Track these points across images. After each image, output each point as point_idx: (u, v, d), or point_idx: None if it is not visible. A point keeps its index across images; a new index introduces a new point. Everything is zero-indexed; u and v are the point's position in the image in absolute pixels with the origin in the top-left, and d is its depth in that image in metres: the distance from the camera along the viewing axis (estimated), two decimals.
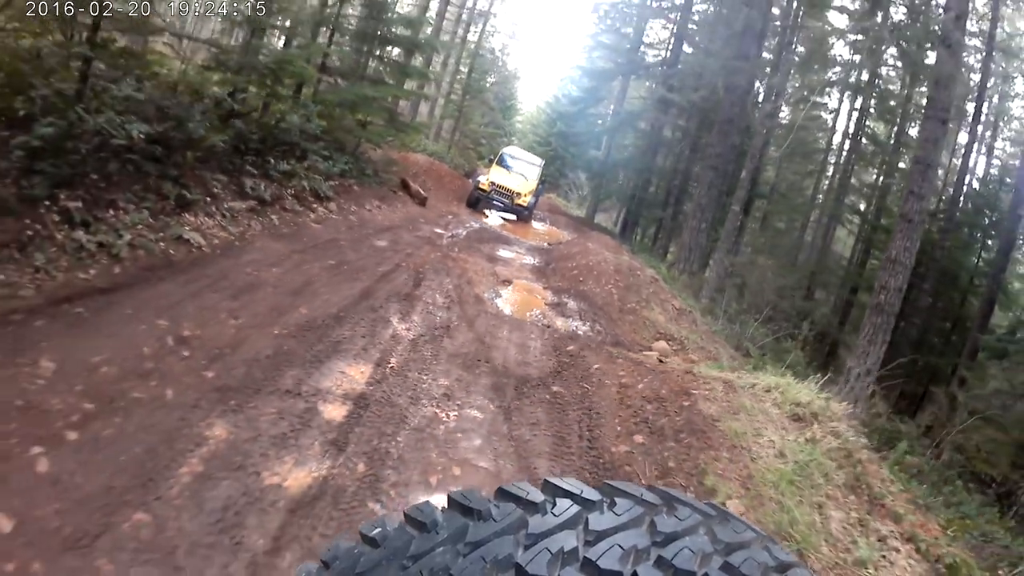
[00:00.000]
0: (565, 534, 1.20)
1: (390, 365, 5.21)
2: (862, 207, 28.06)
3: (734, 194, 19.79)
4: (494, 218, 19.24)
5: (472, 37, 33.64)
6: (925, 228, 21.43)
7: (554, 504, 1.31)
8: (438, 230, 12.78)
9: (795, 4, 22.03)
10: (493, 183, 19.41)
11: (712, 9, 26.44)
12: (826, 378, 9.32)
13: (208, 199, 7.59)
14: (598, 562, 1.12)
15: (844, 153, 28.44)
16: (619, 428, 5.16)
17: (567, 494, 1.35)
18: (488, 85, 35.65)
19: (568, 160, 37.38)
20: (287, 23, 11.05)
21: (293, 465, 3.57)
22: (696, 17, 28.11)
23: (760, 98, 22.09)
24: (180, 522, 2.93)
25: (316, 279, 6.71)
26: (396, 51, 15.34)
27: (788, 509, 4.48)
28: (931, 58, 18.27)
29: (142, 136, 6.29)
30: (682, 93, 24.01)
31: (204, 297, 5.34)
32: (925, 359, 20.95)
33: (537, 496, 1.34)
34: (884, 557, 4.57)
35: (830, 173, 29.99)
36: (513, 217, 19.91)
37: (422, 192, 15.55)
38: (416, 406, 4.68)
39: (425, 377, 5.22)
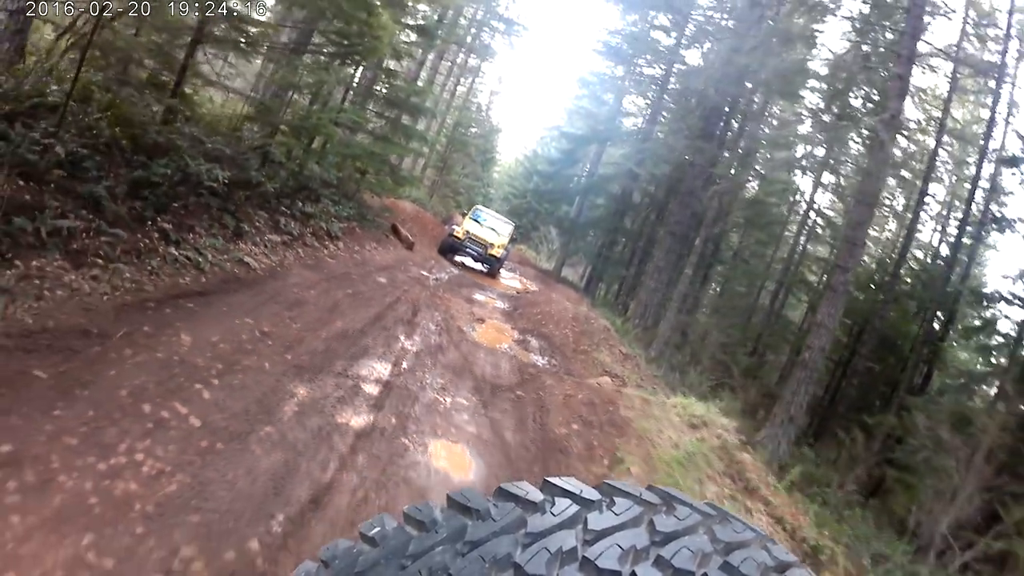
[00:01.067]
0: (564, 534, 1.28)
1: (403, 366, 7.26)
2: (815, 278, 30.16)
3: (691, 257, 22.12)
4: (468, 266, 20.37)
5: (461, 90, 35.95)
6: (870, 299, 24.01)
7: (553, 504, 1.38)
8: (424, 272, 14.80)
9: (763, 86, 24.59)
10: (468, 232, 20.26)
11: (688, 84, 28.79)
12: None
13: (254, 231, 9.62)
14: (597, 561, 1.20)
15: (805, 226, 31.07)
16: (561, 419, 7.28)
17: (566, 494, 1.42)
18: (470, 137, 37.80)
19: (541, 214, 39.39)
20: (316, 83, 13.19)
21: (352, 414, 5.60)
22: (672, 88, 30.51)
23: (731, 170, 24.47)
24: (294, 433, 4.93)
25: (341, 303, 8.74)
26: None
27: (675, 479, 6.57)
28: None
29: (225, 181, 8.37)
30: (653, 163, 26.43)
31: (269, 306, 7.33)
32: (864, 419, 23.09)
33: (536, 495, 1.41)
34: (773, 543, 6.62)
35: (792, 242, 32.36)
36: (484, 268, 20.57)
37: (410, 238, 17.63)
38: (424, 392, 6.73)
39: (428, 376, 7.27)
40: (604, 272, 32.67)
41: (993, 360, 20.69)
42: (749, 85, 24.00)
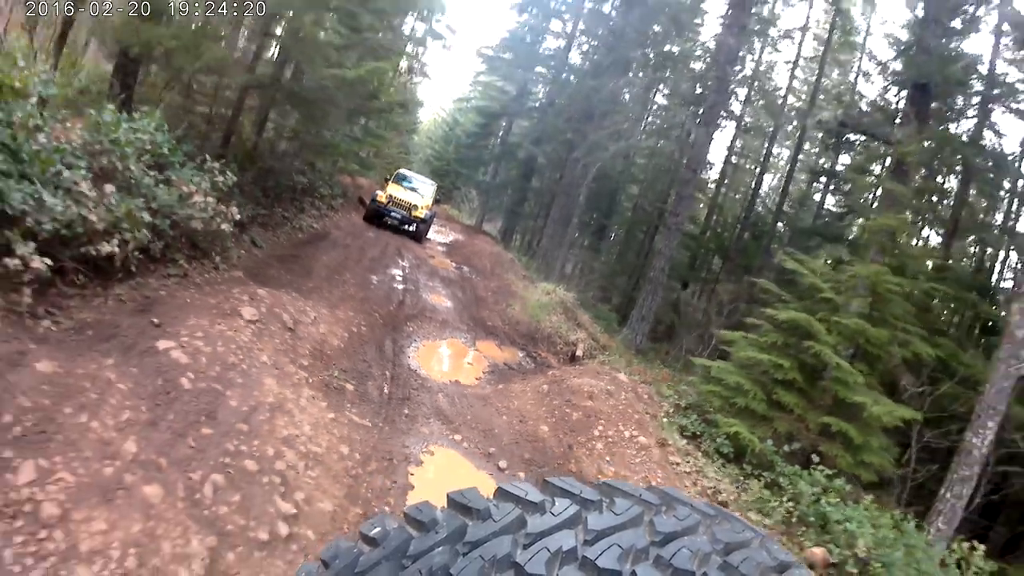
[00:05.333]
0: (564, 533, 1.40)
1: (407, 271, 16.61)
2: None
3: (575, 211, 31.51)
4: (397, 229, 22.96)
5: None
6: (727, 233, 33.60)
7: (553, 504, 1.53)
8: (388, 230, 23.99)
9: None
10: (391, 196, 21.93)
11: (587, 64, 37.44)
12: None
13: (308, 209, 18.67)
14: (597, 561, 1.29)
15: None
16: (482, 291, 16.86)
17: (566, 494, 1.57)
18: (401, 119, 45.41)
19: (462, 176, 46.98)
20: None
21: (397, 284, 14.96)
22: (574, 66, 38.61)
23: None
24: (381, 288, 14.23)
25: (364, 245, 17.87)
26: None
27: (536, 314, 16.00)
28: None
29: (305, 184, 17.48)
30: (547, 139, 35.71)
31: (337, 247, 16.37)
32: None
33: (536, 496, 1.58)
34: (575, 332, 16.13)
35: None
36: (411, 229, 22.33)
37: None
38: (419, 280, 16.17)
39: (419, 275, 16.67)
40: (516, 225, 41.46)
41: None
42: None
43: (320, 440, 6.69)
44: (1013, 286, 16.83)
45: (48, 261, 6.31)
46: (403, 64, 27.53)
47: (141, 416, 5.45)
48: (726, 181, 39.12)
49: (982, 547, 8.52)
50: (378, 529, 1.66)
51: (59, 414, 4.94)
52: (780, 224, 33.14)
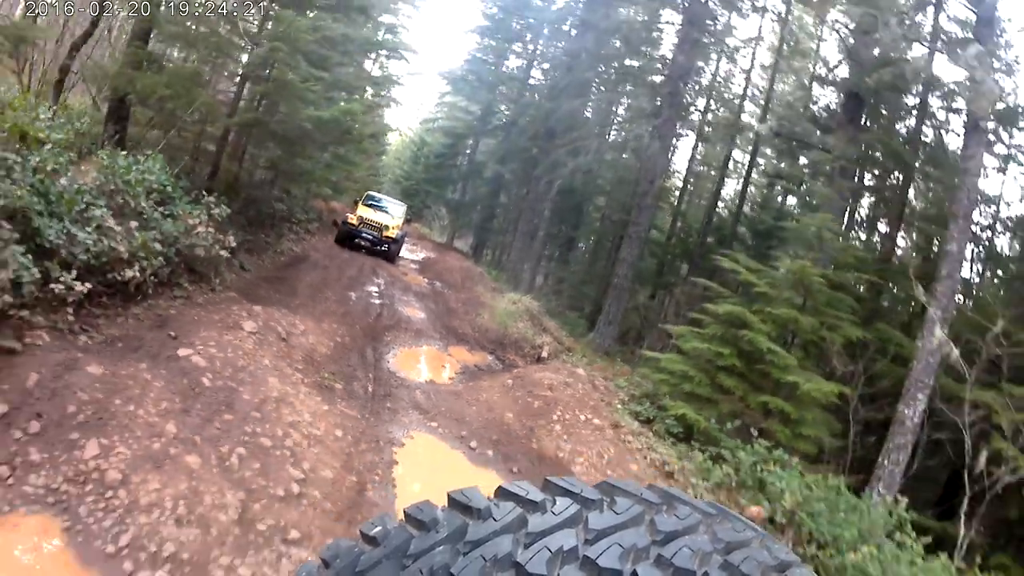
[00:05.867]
0: (565, 533, 1.41)
1: (383, 287, 18.00)
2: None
3: (541, 225, 32.99)
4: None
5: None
6: (692, 238, 35.15)
7: (554, 503, 1.54)
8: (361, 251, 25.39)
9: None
10: (362, 218, 22.57)
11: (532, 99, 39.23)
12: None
13: (286, 234, 20.01)
14: (598, 560, 1.30)
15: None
16: (453, 303, 18.29)
17: (567, 493, 1.58)
18: (370, 145, 46.58)
19: (431, 195, 48.30)
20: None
21: (375, 300, 16.35)
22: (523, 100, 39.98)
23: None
24: (362, 303, 15.62)
25: (342, 265, 19.24)
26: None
27: (504, 321, 17.42)
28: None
29: (283, 211, 18.84)
30: (511, 157, 37.29)
31: (317, 268, 17.72)
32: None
33: (537, 495, 1.58)
34: (540, 337, 17.58)
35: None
36: (383, 249, 22.83)
37: None
38: (395, 294, 17.57)
39: (394, 291, 18.07)
40: (487, 241, 42.80)
41: None
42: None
43: (319, 425, 8.05)
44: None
45: (88, 285, 7.66)
46: (369, 92, 28.65)
47: (175, 406, 6.84)
48: (689, 188, 40.27)
49: (905, 499, 9.96)
50: (378, 528, 1.70)
51: (111, 405, 6.33)
52: (742, 227, 34.32)
